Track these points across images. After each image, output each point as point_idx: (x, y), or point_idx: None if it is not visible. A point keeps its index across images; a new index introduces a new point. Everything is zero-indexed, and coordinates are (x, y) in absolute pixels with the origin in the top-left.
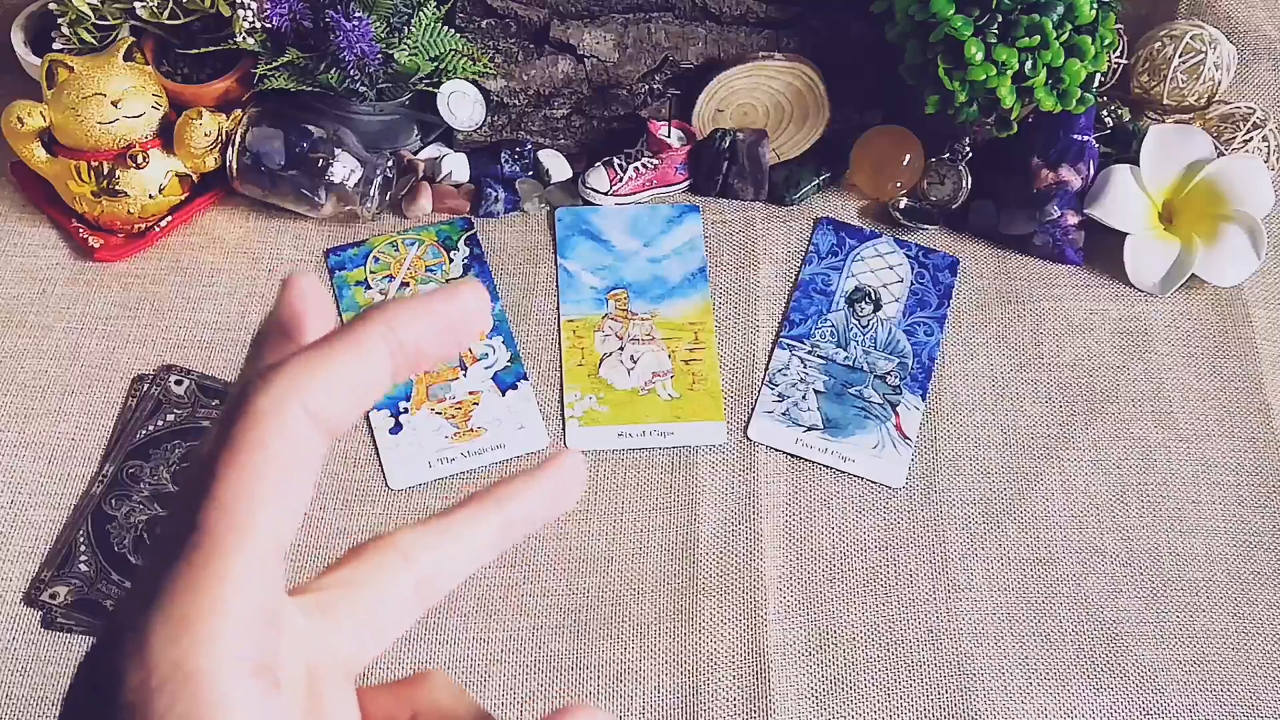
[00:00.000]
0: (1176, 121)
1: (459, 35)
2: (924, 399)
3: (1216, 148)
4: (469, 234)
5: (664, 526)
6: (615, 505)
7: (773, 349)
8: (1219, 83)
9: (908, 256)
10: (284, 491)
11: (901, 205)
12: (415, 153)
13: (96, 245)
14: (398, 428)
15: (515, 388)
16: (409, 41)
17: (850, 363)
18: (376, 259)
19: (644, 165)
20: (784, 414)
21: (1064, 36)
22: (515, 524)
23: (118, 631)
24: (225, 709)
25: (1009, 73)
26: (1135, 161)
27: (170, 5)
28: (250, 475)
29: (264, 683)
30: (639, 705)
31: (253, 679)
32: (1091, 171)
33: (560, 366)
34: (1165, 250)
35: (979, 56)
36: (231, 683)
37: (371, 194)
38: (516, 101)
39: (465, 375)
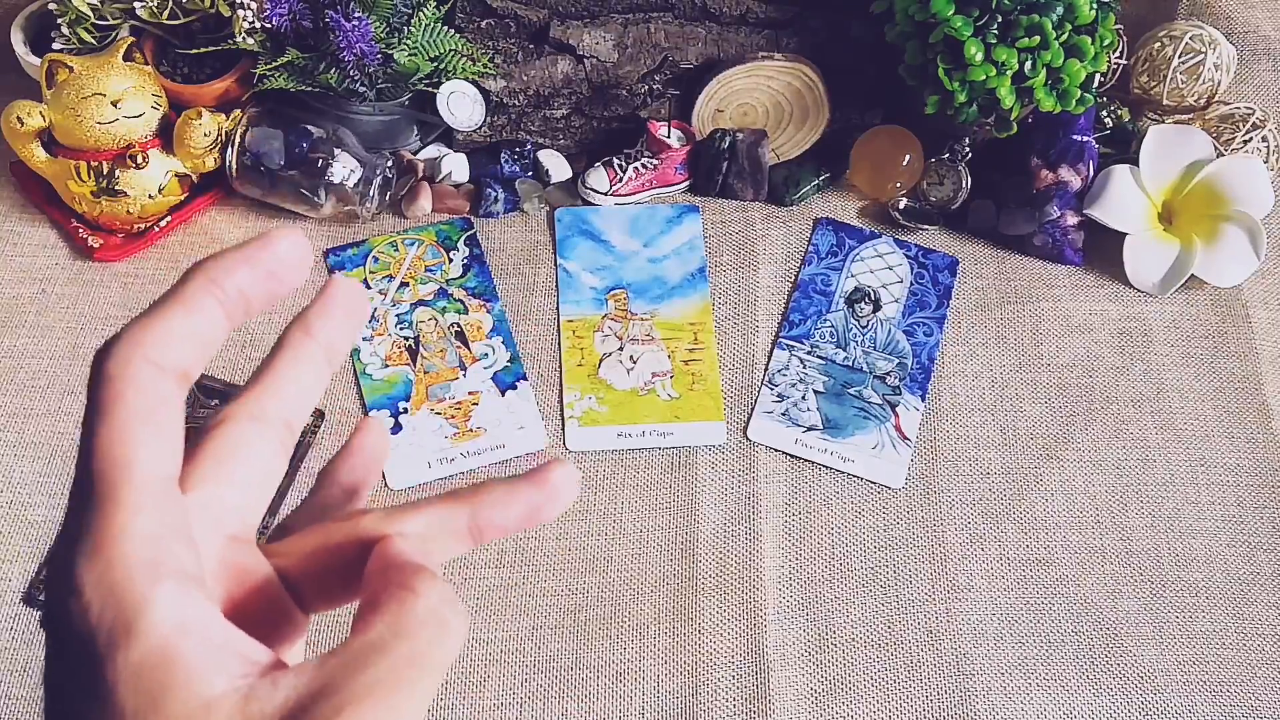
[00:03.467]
0: (1176, 122)
1: (459, 35)
2: (923, 399)
3: (1216, 148)
4: (469, 234)
5: (664, 526)
6: (615, 505)
7: (772, 349)
8: (1219, 83)
9: (907, 257)
10: (151, 431)
11: (901, 205)
12: (415, 153)
13: (96, 245)
14: (398, 428)
15: (515, 388)
16: (409, 41)
17: (850, 363)
18: (376, 259)
19: (644, 165)
20: (784, 414)
21: (1064, 37)
22: (487, 530)
23: (56, 577)
24: (148, 607)
25: (1009, 73)
26: (1135, 162)
27: (170, 5)
28: (118, 425)
29: (177, 579)
30: (639, 705)
31: (166, 579)
32: (1091, 172)
33: (560, 367)
34: (1165, 250)
35: (979, 57)
36: (147, 585)
37: (371, 194)
38: (516, 101)
39: (465, 375)
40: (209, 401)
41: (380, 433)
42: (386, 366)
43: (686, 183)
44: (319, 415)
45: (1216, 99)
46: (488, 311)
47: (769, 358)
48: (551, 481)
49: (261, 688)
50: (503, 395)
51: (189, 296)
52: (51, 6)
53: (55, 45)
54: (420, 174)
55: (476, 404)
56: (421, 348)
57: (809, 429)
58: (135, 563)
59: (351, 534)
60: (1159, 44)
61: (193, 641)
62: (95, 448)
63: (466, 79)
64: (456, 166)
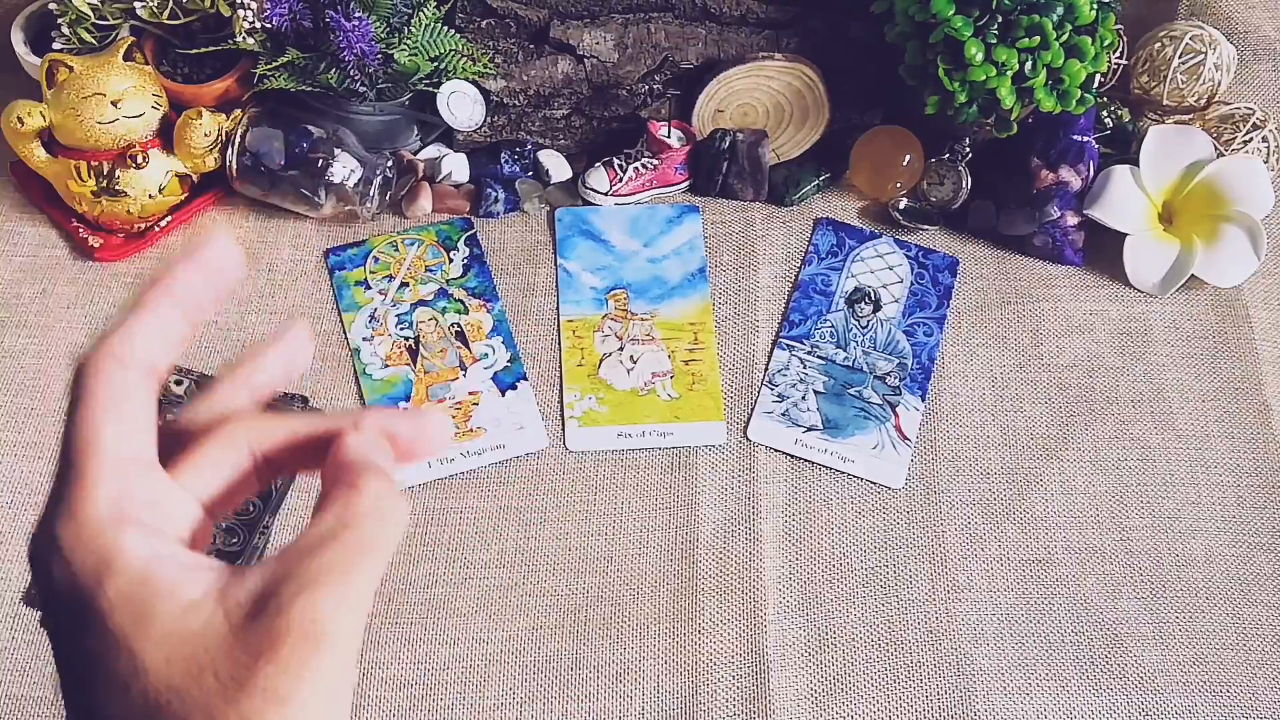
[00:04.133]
0: (1176, 122)
1: (459, 35)
2: (924, 399)
3: (1216, 148)
4: (469, 234)
5: (664, 526)
6: (615, 505)
7: (772, 349)
8: (1219, 83)
9: (907, 257)
10: (116, 416)
11: (901, 206)
12: (415, 153)
13: (96, 245)
14: None
15: (515, 388)
16: (409, 41)
17: (850, 363)
18: (376, 259)
19: (644, 165)
20: (784, 414)
21: (1064, 37)
22: (260, 389)
23: (41, 543)
24: (120, 548)
25: (1009, 73)
26: (1135, 162)
27: (170, 5)
28: (87, 413)
29: (139, 526)
30: (639, 705)
31: (129, 525)
32: (1091, 172)
33: (560, 367)
34: (1165, 251)
35: (979, 57)
36: (115, 532)
37: (371, 194)
38: (516, 102)
39: (465, 375)
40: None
41: (303, 340)
42: (386, 366)
43: (686, 183)
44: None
45: (1217, 99)
46: (488, 311)
47: (769, 358)
48: (289, 338)
49: (233, 584)
50: (503, 395)
51: (145, 302)
52: (52, 6)
53: (55, 45)
54: (420, 174)
55: (477, 404)
56: (422, 348)
57: (809, 429)
58: (101, 518)
59: (319, 428)
60: (1159, 44)
61: (166, 564)
62: (69, 434)
63: (467, 79)
64: (456, 166)
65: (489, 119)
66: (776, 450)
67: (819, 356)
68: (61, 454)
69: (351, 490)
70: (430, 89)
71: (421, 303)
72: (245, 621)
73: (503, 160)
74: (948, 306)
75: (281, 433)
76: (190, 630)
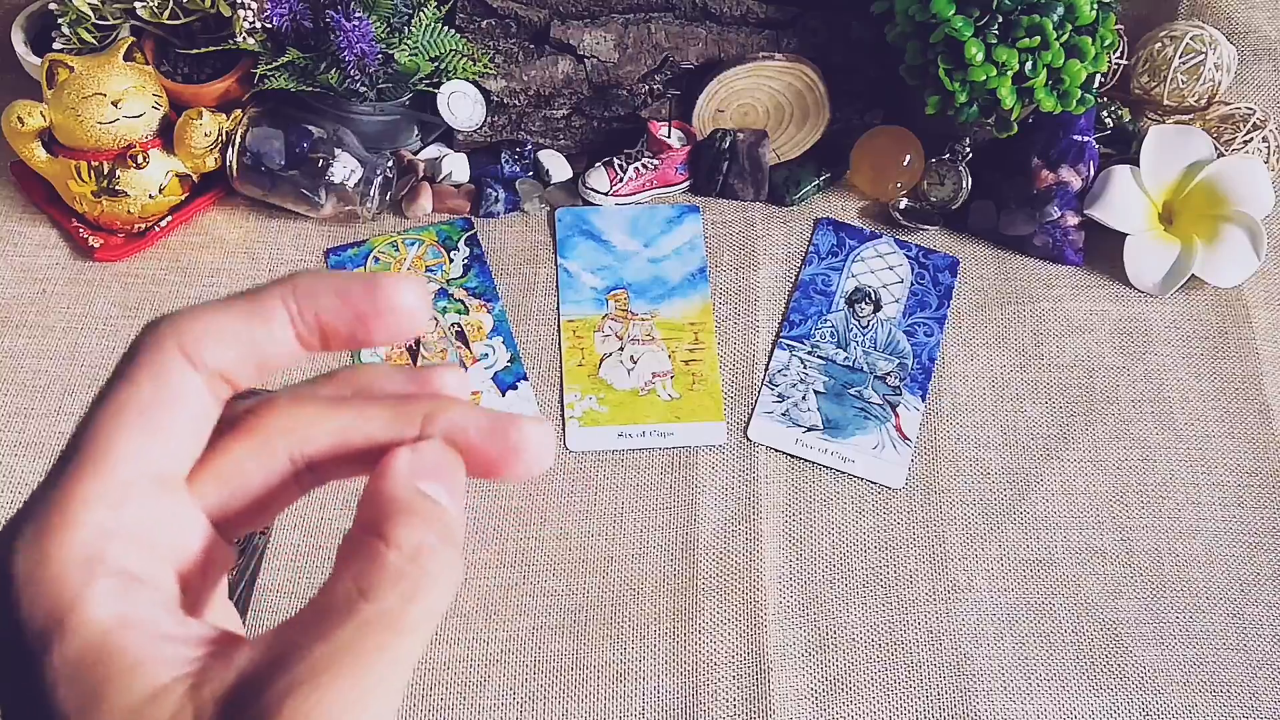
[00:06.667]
0: (1176, 122)
1: (459, 35)
2: (924, 399)
3: (1216, 148)
4: (469, 234)
5: (664, 526)
6: (615, 505)
7: (773, 349)
8: (1219, 83)
9: (908, 257)
10: (149, 423)
11: (902, 206)
12: (415, 153)
13: (96, 245)
14: None
15: (515, 388)
16: (409, 42)
17: (850, 363)
18: (377, 259)
19: (644, 165)
20: (784, 414)
21: (1064, 37)
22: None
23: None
24: (79, 604)
25: (1009, 73)
26: (1135, 162)
27: (170, 5)
28: (116, 406)
29: (116, 577)
30: (639, 705)
31: (102, 577)
32: (1091, 172)
33: (560, 367)
34: (1165, 251)
35: (979, 57)
36: (81, 582)
37: (371, 194)
38: (516, 102)
39: (465, 375)
40: None
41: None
42: None
43: (687, 183)
44: None
45: (1217, 99)
46: (488, 311)
47: (769, 358)
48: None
49: (214, 669)
50: (503, 395)
51: (260, 298)
52: (52, 6)
53: (56, 45)
54: (420, 174)
55: (477, 404)
56: (422, 348)
57: (809, 429)
58: (71, 558)
59: (378, 435)
60: (1159, 44)
61: (134, 634)
62: (89, 420)
63: (467, 79)
64: (457, 166)
65: (489, 119)
66: (777, 450)
67: (819, 356)
68: (70, 439)
69: (375, 542)
70: (430, 89)
71: None
72: None
73: (503, 160)
74: (948, 306)
75: (327, 437)
76: None
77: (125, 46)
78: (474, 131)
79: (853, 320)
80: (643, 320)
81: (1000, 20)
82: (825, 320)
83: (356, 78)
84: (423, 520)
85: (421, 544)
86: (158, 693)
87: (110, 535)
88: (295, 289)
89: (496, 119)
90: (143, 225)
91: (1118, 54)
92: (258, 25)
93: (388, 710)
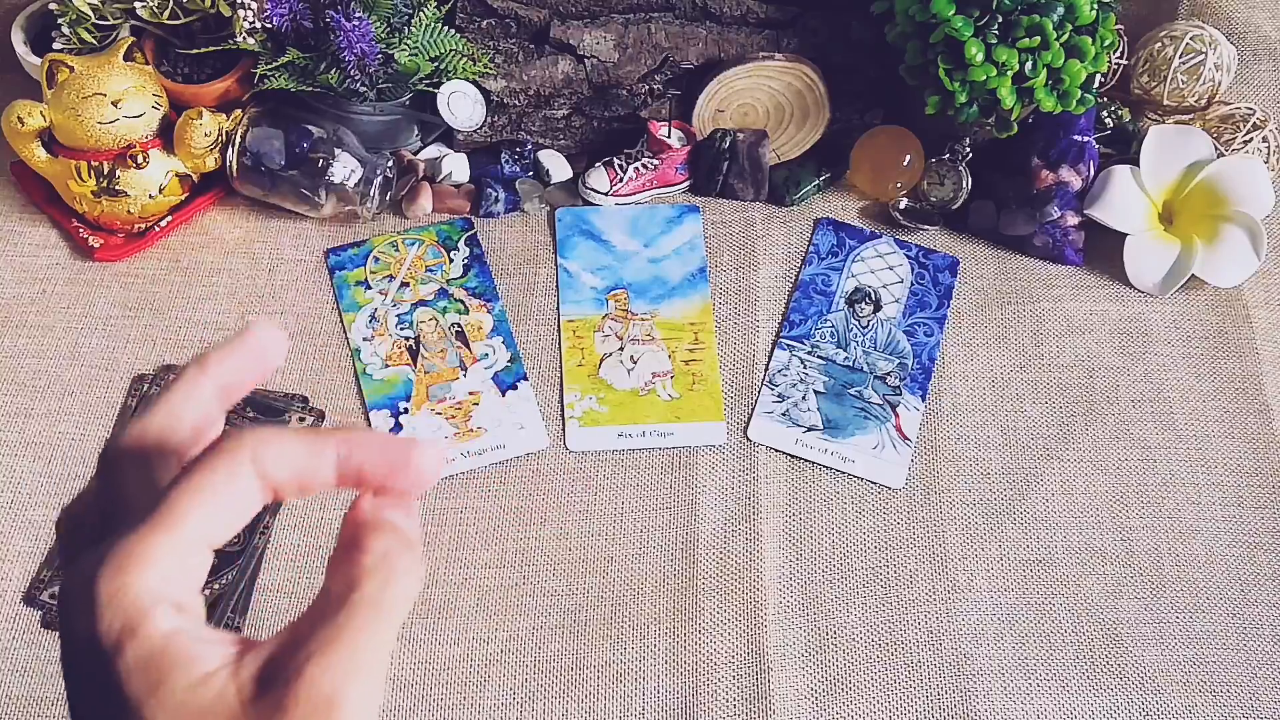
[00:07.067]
0: (1176, 122)
1: (459, 35)
2: (924, 399)
3: (1216, 148)
4: (469, 234)
5: (664, 526)
6: (615, 505)
7: (773, 349)
8: (1219, 83)
9: (908, 257)
10: (214, 505)
11: (902, 205)
12: (415, 153)
13: (96, 245)
14: (398, 428)
15: (515, 388)
16: (409, 42)
17: (850, 363)
18: (376, 259)
19: (644, 165)
20: (784, 414)
21: (1064, 37)
22: (231, 390)
23: (78, 585)
24: (147, 618)
25: (1009, 73)
26: (1135, 162)
27: (170, 5)
28: (193, 487)
29: (173, 605)
30: (639, 705)
31: (164, 602)
32: (1091, 172)
33: (560, 367)
34: (1165, 251)
35: (979, 57)
36: (150, 604)
37: (371, 194)
38: (516, 102)
39: (465, 376)
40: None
41: (277, 339)
42: (387, 366)
43: (687, 183)
44: (319, 416)
45: (1217, 99)
46: (488, 311)
47: (769, 358)
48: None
49: (246, 657)
50: (503, 395)
51: (319, 441)
52: (52, 6)
53: (56, 45)
54: (420, 174)
55: (477, 404)
56: (422, 348)
57: (809, 429)
58: (144, 589)
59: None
60: (1159, 44)
61: (185, 638)
62: (170, 492)
63: (467, 79)
64: (457, 166)
65: (489, 119)
66: (777, 450)
67: (819, 356)
68: (160, 494)
69: (355, 551)
70: (430, 89)
71: (422, 303)
72: (256, 693)
73: (503, 160)
74: (948, 306)
75: (289, 473)
76: (203, 702)
77: (125, 46)
78: (474, 131)
79: (853, 320)
80: (643, 320)
81: (1000, 20)
82: (825, 320)
83: (356, 78)
84: (386, 533)
85: (389, 548)
86: (208, 676)
87: (171, 578)
88: (350, 440)
89: (496, 119)
90: (143, 225)
91: (1118, 54)
92: (258, 25)
93: (377, 671)
